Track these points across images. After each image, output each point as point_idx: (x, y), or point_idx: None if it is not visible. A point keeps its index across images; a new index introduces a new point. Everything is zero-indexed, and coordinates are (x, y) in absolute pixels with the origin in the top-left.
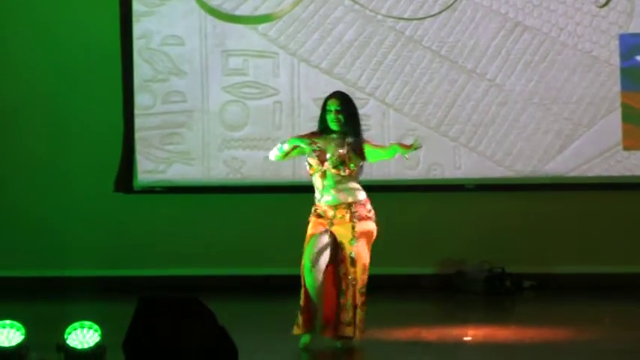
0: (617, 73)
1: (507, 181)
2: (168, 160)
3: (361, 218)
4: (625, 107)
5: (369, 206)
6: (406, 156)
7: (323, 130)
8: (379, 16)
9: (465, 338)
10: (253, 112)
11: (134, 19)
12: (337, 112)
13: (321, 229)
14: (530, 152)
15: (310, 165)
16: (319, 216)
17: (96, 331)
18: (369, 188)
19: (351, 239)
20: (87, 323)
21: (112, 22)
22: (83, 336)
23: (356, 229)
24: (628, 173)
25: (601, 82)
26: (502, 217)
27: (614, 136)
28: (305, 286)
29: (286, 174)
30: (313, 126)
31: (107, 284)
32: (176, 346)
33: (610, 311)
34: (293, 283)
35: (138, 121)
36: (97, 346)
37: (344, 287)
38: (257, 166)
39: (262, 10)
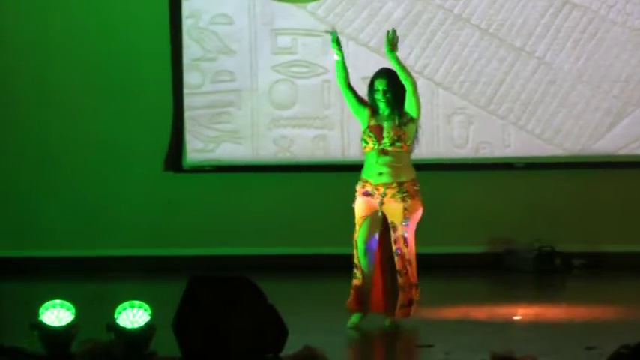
0: None
1: (556, 159)
2: (217, 139)
3: (412, 197)
4: None
5: (417, 186)
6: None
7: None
8: None
9: (515, 317)
10: (302, 91)
11: None
12: (385, 91)
13: (373, 209)
14: (579, 130)
15: (366, 142)
16: (367, 194)
17: (146, 310)
18: (419, 167)
19: (403, 219)
20: (137, 303)
21: (160, 2)
22: (133, 315)
23: (408, 209)
24: None
25: None
26: (551, 195)
27: None
28: (360, 266)
29: (335, 153)
30: None
31: (157, 263)
32: (226, 325)
33: None
34: (343, 262)
35: (187, 100)
36: (147, 325)
37: (400, 268)
38: (306, 145)
39: None
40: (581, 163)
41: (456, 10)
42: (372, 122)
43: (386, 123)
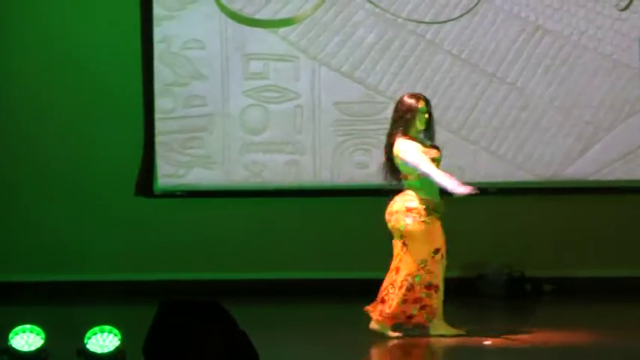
0: (638, 76)
1: (527, 184)
2: (188, 164)
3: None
4: None
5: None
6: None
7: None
8: (400, 20)
9: (485, 342)
10: (274, 116)
11: (155, 23)
12: (429, 114)
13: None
14: (550, 156)
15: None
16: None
17: (116, 335)
18: (388, 192)
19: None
20: (107, 327)
21: (132, 27)
22: (103, 340)
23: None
24: None
25: (622, 85)
26: (523, 220)
27: (635, 140)
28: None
29: (307, 178)
30: (334, 130)
31: (127, 288)
32: (196, 351)
33: (631, 315)
34: (315, 286)
35: (158, 125)
36: (117, 350)
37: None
38: (277, 170)
39: (283, 14)
40: (552, 188)
41: (428, 36)
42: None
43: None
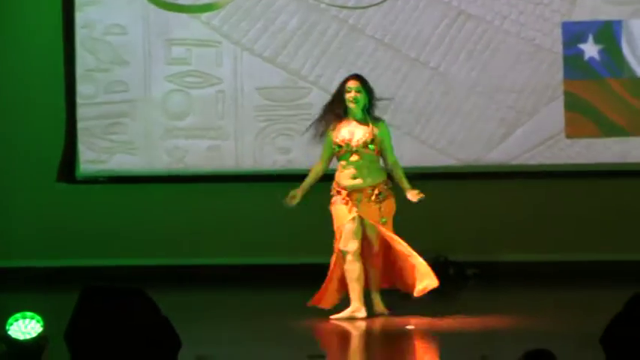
0: (560, 61)
1: (450, 169)
2: (110, 149)
3: (385, 198)
4: (568, 95)
5: (390, 184)
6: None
7: (343, 112)
8: (322, 5)
9: (408, 327)
10: (196, 102)
11: (76, 8)
12: (357, 92)
13: (351, 215)
14: (473, 140)
15: (340, 146)
16: (345, 200)
17: (38, 321)
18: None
19: (381, 219)
20: (29, 314)
21: (54, 12)
22: (25, 327)
23: (382, 209)
24: (570, 161)
25: (544, 70)
26: (446, 205)
27: (557, 124)
28: (339, 269)
29: (230, 163)
30: (256, 115)
31: (50, 274)
32: (118, 337)
33: (552, 299)
34: (236, 272)
35: (80, 111)
36: (40, 336)
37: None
38: (200, 155)
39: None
40: (474, 173)
41: (350, 21)
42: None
43: (357, 128)
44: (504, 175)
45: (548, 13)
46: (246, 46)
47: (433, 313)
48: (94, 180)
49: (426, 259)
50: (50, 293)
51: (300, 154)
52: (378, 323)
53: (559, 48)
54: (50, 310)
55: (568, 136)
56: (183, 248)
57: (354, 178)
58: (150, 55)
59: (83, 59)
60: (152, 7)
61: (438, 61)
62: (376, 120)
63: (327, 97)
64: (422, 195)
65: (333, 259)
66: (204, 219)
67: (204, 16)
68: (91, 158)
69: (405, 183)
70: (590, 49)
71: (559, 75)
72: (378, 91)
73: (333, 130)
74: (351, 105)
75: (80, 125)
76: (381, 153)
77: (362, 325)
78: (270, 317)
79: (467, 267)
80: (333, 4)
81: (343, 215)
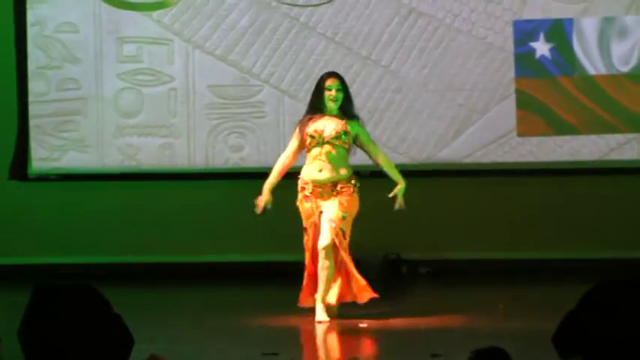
0: (512, 59)
1: (402, 167)
2: (62, 147)
3: (349, 194)
4: (519, 93)
5: (354, 182)
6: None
7: (320, 109)
8: (274, 3)
9: (361, 325)
10: (148, 100)
11: (28, 5)
12: (338, 90)
13: (318, 212)
14: (424, 139)
15: (312, 137)
16: (309, 195)
17: None
18: (265, 175)
19: (343, 214)
20: None
21: (5, 9)
22: None
23: (345, 205)
24: (522, 159)
25: (495, 68)
26: None
27: (509, 123)
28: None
29: (182, 161)
30: (208, 113)
31: (1, 272)
32: (71, 335)
33: (504, 296)
34: (188, 269)
35: (32, 109)
36: None
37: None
38: (152, 153)
39: None
40: (426, 171)
41: (302, 19)
42: (314, 124)
43: (328, 122)
44: (456, 173)
45: (499, 12)
46: (197, 44)
47: (385, 312)
48: (46, 178)
49: (376, 257)
50: (2, 291)
51: (253, 151)
52: (332, 321)
53: (510, 46)
54: (3, 308)
55: (519, 135)
56: (136, 245)
57: (320, 171)
58: (101, 52)
59: (35, 57)
60: (103, 5)
61: (390, 59)
62: (352, 117)
63: (278, 95)
64: (403, 208)
65: (307, 257)
66: (156, 216)
67: (156, 14)
68: (44, 156)
69: (396, 177)
70: (542, 48)
71: (510, 73)
72: None
73: (307, 122)
74: (331, 104)
75: (32, 123)
76: (367, 152)
77: (315, 322)
78: (223, 315)
79: (419, 265)
80: (284, 1)
81: (308, 214)
